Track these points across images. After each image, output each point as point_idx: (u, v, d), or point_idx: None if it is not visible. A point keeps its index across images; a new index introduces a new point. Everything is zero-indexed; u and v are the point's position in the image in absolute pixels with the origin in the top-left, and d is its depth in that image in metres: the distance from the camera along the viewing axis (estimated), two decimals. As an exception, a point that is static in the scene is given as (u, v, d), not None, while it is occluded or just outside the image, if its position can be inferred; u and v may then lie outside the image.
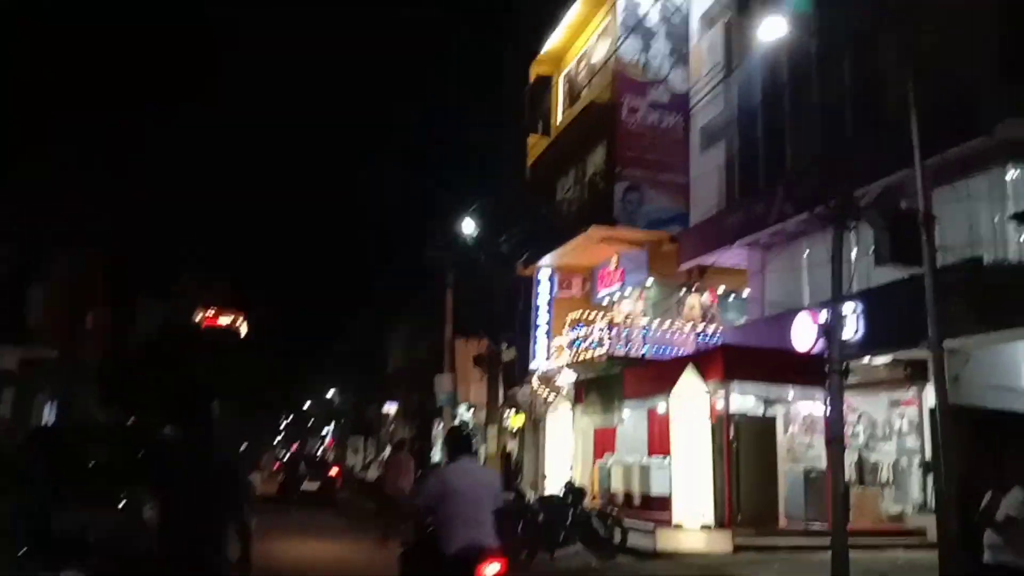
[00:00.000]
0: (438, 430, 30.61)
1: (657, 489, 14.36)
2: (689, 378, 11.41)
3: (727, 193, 18.41)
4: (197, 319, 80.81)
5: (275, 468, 35.98)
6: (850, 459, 12.63)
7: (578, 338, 19.29)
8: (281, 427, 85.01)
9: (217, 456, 4.75)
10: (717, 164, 19.06)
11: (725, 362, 11.04)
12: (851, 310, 13.28)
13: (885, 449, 12.91)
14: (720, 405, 11.21)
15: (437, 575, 5.06)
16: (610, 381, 14.83)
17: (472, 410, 24.38)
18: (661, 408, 13.96)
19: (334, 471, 29.10)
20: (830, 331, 9.11)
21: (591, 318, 19.40)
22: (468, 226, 21.00)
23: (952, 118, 10.88)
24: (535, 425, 21.77)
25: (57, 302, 22.32)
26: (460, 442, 5.37)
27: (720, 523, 10.65)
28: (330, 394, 59.56)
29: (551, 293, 23.23)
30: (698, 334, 19.66)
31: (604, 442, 16.68)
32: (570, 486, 11.87)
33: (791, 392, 11.83)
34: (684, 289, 20.31)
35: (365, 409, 50.11)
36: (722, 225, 17.70)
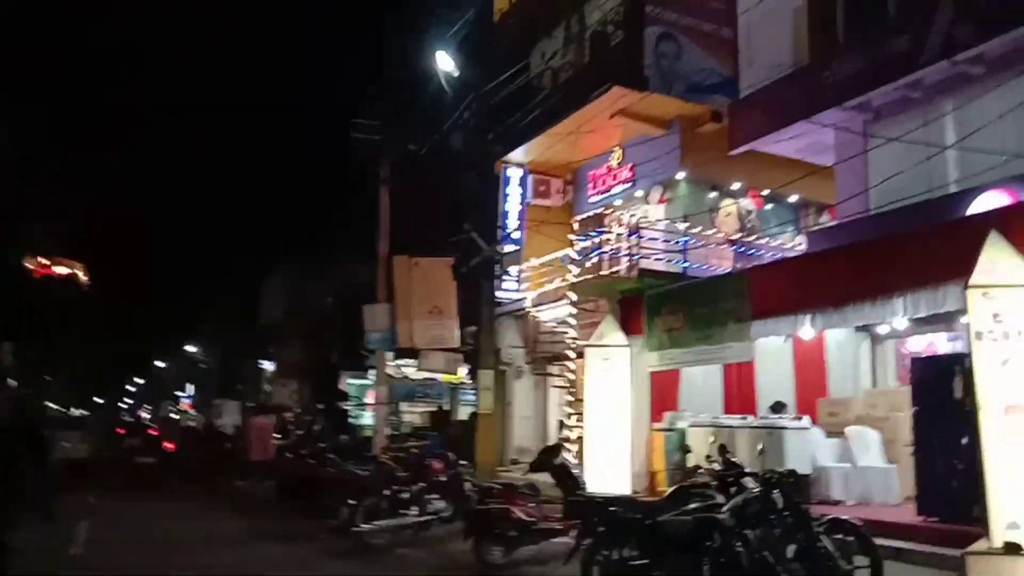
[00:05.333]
0: (346, 385, 24.04)
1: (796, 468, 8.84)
2: (999, 254, 5.85)
3: (815, 41, 12.93)
4: (29, 266, 69.05)
5: None
6: None
7: (593, 246, 13.46)
8: (131, 389, 74.67)
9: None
10: (791, 4, 13.53)
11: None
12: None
13: None
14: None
15: None
16: (705, 293, 9.18)
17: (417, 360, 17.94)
18: (805, 332, 8.35)
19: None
20: None
21: (612, 218, 13.62)
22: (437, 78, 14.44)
23: None
24: (501, 375, 15.82)
25: None
26: None
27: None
28: (192, 349, 50.86)
29: (523, 200, 17.21)
30: (738, 247, 14.52)
31: (662, 394, 10.98)
32: (776, 476, 5.92)
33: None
34: (716, 191, 15.02)
35: (237, 366, 42.28)
36: (815, 84, 12.26)
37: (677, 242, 13.41)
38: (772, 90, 13.02)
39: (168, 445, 30.91)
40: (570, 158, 16.84)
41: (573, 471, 7.96)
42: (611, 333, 10.16)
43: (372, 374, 24.00)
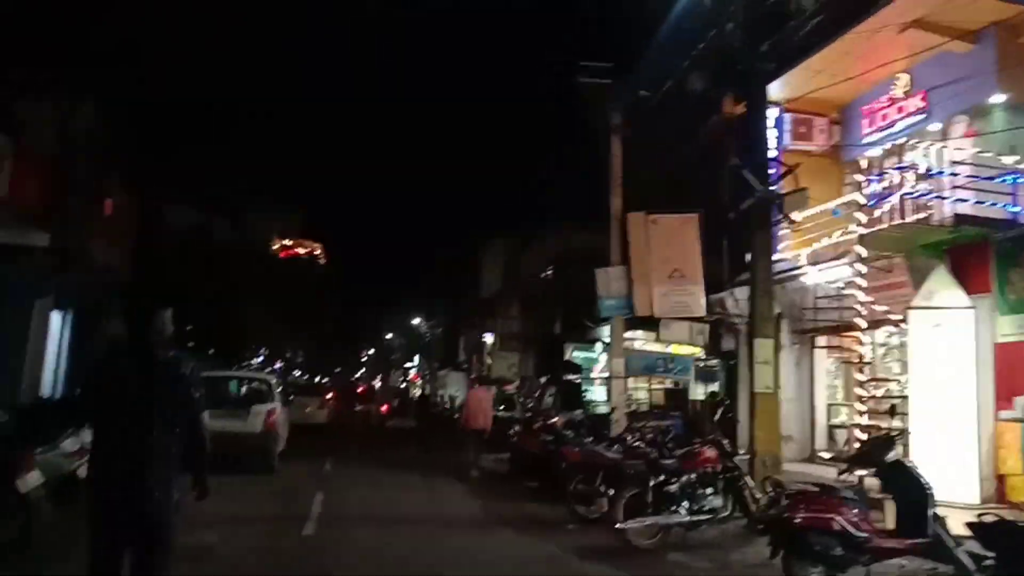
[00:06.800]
0: (572, 357, 22.89)
1: None
2: None
3: None
4: (274, 248, 76.76)
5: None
6: None
7: (887, 190, 10.94)
8: (363, 360, 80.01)
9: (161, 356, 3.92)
10: None
11: None
12: None
13: None
14: None
15: None
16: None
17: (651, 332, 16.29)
18: None
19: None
20: None
21: (908, 157, 10.99)
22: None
23: None
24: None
25: (35, 165, 15.06)
26: None
27: None
28: (416, 321, 52.69)
29: (779, 144, 14.79)
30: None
31: (1010, 372, 8.38)
32: None
33: None
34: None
35: (458, 337, 42.99)
36: None
37: (1002, 180, 10.51)
38: None
39: (383, 410, 33.89)
40: (838, 91, 14.13)
41: (917, 473, 5.88)
42: (945, 291, 7.79)
43: (598, 346, 22.69)
